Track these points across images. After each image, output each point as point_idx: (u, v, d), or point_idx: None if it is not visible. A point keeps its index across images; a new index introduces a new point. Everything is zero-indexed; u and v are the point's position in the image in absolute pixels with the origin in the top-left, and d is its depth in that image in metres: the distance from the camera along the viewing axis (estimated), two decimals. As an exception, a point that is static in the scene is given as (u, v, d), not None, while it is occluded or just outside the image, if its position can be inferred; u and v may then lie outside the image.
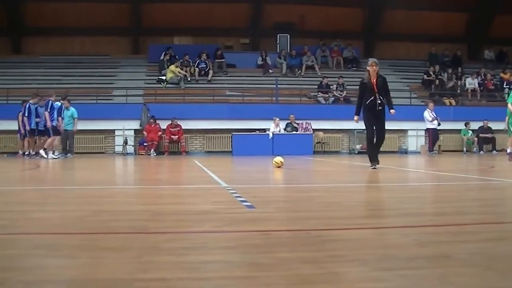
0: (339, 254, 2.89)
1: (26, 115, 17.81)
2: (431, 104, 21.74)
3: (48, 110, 17.51)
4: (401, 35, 30.01)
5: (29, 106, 17.81)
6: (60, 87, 21.87)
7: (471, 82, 26.73)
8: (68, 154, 18.66)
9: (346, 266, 2.64)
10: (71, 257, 2.86)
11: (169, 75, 24.97)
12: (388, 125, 25.34)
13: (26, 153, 18.20)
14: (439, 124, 21.39)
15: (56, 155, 17.56)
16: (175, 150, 22.37)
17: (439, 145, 23.53)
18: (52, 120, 17.53)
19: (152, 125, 21.88)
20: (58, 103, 18.11)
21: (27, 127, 17.80)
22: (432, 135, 21.56)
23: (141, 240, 3.36)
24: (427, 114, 21.38)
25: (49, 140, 17.57)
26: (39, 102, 17.94)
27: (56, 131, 17.78)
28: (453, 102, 25.63)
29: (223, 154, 22.10)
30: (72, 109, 18.94)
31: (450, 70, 27.31)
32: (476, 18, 30.67)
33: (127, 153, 21.66)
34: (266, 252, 2.96)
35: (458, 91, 26.70)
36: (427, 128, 21.79)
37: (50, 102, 17.67)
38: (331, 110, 24.04)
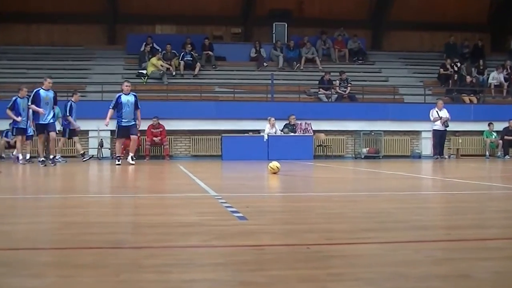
0: (342, 272, 2.92)
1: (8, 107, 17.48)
2: (439, 102, 21.30)
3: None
4: (413, 24, 30.00)
5: (15, 100, 17.38)
6: (25, 82, 21.79)
7: (495, 77, 26.71)
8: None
9: (349, 285, 2.66)
10: (38, 275, 2.87)
11: (150, 69, 24.96)
12: (399, 126, 25.25)
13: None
14: (445, 126, 20.79)
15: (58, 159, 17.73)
16: (157, 154, 22.34)
17: (457, 149, 23.56)
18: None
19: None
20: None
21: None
22: (434, 137, 21.11)
23: (118, 256, 3.37)
24: (431, 113, 21.03)
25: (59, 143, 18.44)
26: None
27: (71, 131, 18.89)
28: (474, 100, 25.57)
29: (211, 158, 22.09)
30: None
31: (470, 63, 27.33)
32: (501, 3, 30.59)
33: (103, 157, 21.63)
34: (259, 269, 2.98)
35: (480, 87, 26.68)
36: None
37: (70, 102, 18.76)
38: (333, 109, 24.06)
